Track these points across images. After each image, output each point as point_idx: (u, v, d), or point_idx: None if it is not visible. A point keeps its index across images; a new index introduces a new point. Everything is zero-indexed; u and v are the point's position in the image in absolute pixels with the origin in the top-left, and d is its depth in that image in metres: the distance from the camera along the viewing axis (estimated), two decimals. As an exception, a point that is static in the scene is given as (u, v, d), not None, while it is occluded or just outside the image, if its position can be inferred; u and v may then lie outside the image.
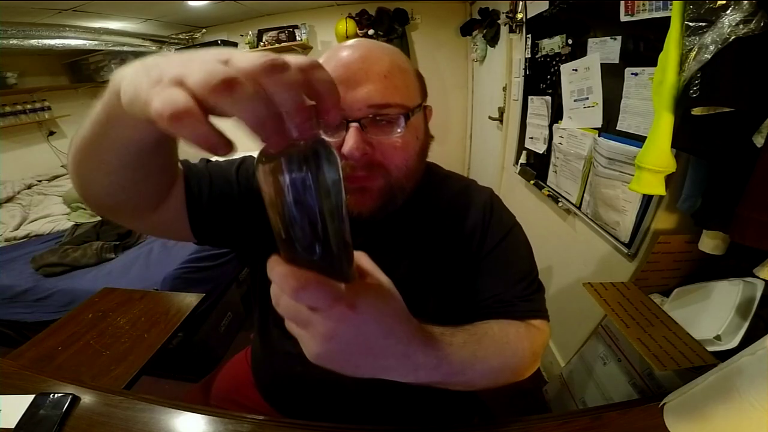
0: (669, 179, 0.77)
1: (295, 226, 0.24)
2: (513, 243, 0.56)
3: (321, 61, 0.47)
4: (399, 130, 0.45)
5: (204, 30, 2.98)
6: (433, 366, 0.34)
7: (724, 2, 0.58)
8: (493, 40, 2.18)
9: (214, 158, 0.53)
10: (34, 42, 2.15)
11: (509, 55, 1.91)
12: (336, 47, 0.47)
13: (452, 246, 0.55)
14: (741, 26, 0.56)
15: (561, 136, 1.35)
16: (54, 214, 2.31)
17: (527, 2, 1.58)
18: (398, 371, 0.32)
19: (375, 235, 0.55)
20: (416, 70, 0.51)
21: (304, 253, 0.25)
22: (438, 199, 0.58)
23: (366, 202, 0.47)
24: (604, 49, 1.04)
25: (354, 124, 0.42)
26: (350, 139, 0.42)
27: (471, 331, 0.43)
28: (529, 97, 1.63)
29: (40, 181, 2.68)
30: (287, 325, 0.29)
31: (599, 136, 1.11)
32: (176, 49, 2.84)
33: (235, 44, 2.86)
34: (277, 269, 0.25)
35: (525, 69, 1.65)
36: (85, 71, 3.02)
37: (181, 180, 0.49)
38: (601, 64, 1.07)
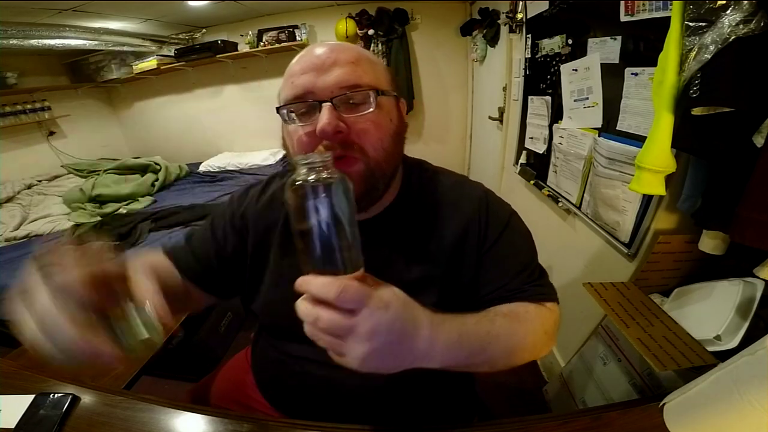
0: (669, 179, 0.77)
1: (327, 239, 0.31)
2: (512, 234, 0.56)
3: (295, 59, 0.49)
4: (371, 108, 0.46)
5: (204, 30, 2.98)
6: (456, 342, 0.38)
7: (724, 2, 0.58)
8: (493, 40, 2.18)
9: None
10: (34, 42, 2.15)
11: (509, 55, 1.91)
12: (309, 47, 0.50)
13: (448, 241, 0.55)
14: (741, 26, 0.56)
15: (561, 136, 1.35)
16: (54, 214, 2.31)
17: (527, 2, 1.58)
18: (430, 355, 0.36)
19: (367, 234, 0.55)
20: (387, 67, 0.54)
21: (330, 264, 0.32)
22: (429, 194, 0.58)
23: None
24: (604, 49, 1.04)
25: (326, 104, 0.44)
26: (323, 117, 0.44)
27: (481, 313, 0.46)
28: (529, 97, 1.63)
29: (40, 181, 2.68)
30: (329, 344, 0.33)
31: (599, 136, 1.11)
32: (176, 49, 2.84)
33: (235, 44, 2.86)
34: (314, 282, 0.31)
35: (525, 69, 1.65)
36: (85, 71, 3.02)
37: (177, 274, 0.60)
38: (601, 64, 1.07)
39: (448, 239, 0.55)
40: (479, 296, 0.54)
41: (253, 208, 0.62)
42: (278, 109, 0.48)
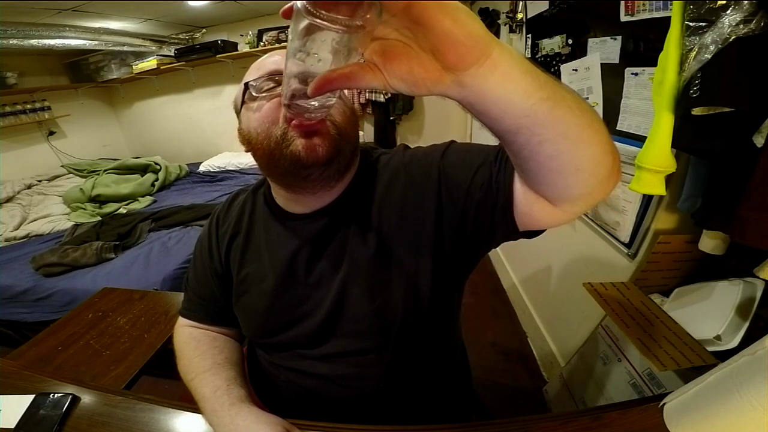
0: (669, 179, 0.76)
1: None
2: (458, 146, 0.55)
3: (257, 62, 0.53)
4: None
5: (204, 30, 2.98)
6: (522, 61, 0.28)
7: (724, 2, 0.58)
8: (493, 40, 2.18)
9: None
10: (34, 42, 2.15)
11: (509, 55, 1.91)
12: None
13: (400, 206, 0.55)
14: (741, 26, 0.56)
15: (561, 136, 1.35)
16: (54, 214, 2.31)
17: (527, 2, 1.58)
18: (503, 46, 0.27)
19: (336, 212, 0.56)
20: None
21: None
22: (379, 170, 0.58)
23: (322, 144, 0.48)
24: (604, 49, 1.04)
25: None
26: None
27: None
28: (529, 97, 1.62)
29: (40, 181, 2.68)
30: None
31: (599, 136, 1.11)
32: (176, 49, 2.84)
33: (235, 44, 2.86)
34: None
35: (525, 69, 1.65)
36: (85, 71, 3.03)
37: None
38: (601, 64, 1.07)
39: (398, 203, 0.55)
40: (476, 202, 0.49)
41: (223, 226, 0.64)
42: (245, 88, 0.50)
